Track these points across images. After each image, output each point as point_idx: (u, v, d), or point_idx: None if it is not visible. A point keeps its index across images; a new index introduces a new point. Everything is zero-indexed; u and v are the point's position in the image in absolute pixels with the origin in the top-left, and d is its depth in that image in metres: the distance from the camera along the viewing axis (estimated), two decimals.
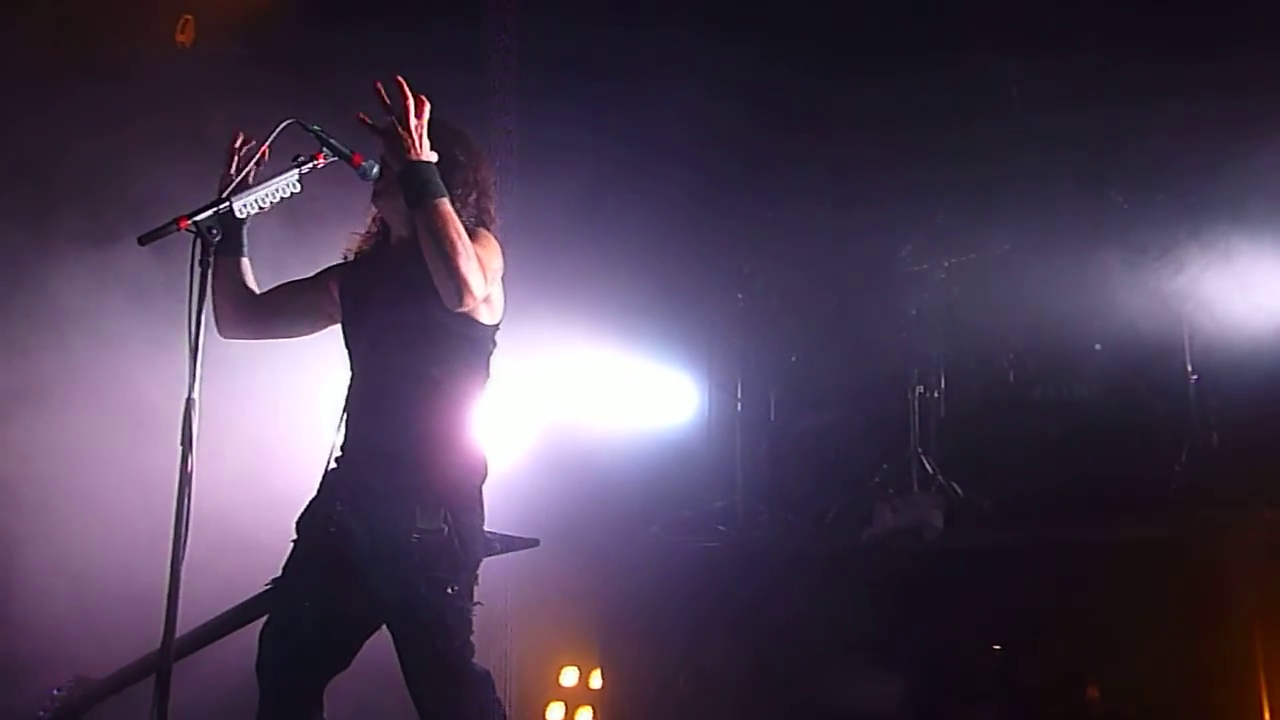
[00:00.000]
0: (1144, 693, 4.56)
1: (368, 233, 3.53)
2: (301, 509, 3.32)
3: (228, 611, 3.78)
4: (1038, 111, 6.37)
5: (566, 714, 6.03)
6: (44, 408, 4.98)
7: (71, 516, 4.92)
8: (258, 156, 3.28)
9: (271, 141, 3.28)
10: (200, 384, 2.89)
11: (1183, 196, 5.91)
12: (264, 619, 3.33)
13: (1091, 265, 6.03)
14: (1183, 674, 4.46)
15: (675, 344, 7.19)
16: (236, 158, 3.30)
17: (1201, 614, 4.52)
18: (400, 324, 3.26)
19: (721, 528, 6.56)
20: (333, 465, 3.31)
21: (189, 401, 2.88)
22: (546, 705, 6.04)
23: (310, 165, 3.27)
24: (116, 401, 4.93)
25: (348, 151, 3.29)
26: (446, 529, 3.13)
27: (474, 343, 3.33)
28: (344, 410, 3.33)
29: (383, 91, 3.11)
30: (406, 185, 3.12)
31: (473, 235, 3.18)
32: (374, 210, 3.49)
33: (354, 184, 3.36)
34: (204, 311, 2.90)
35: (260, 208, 3.18)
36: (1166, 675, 4.50)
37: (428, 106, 3.16)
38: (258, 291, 3.48)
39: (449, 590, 3.12)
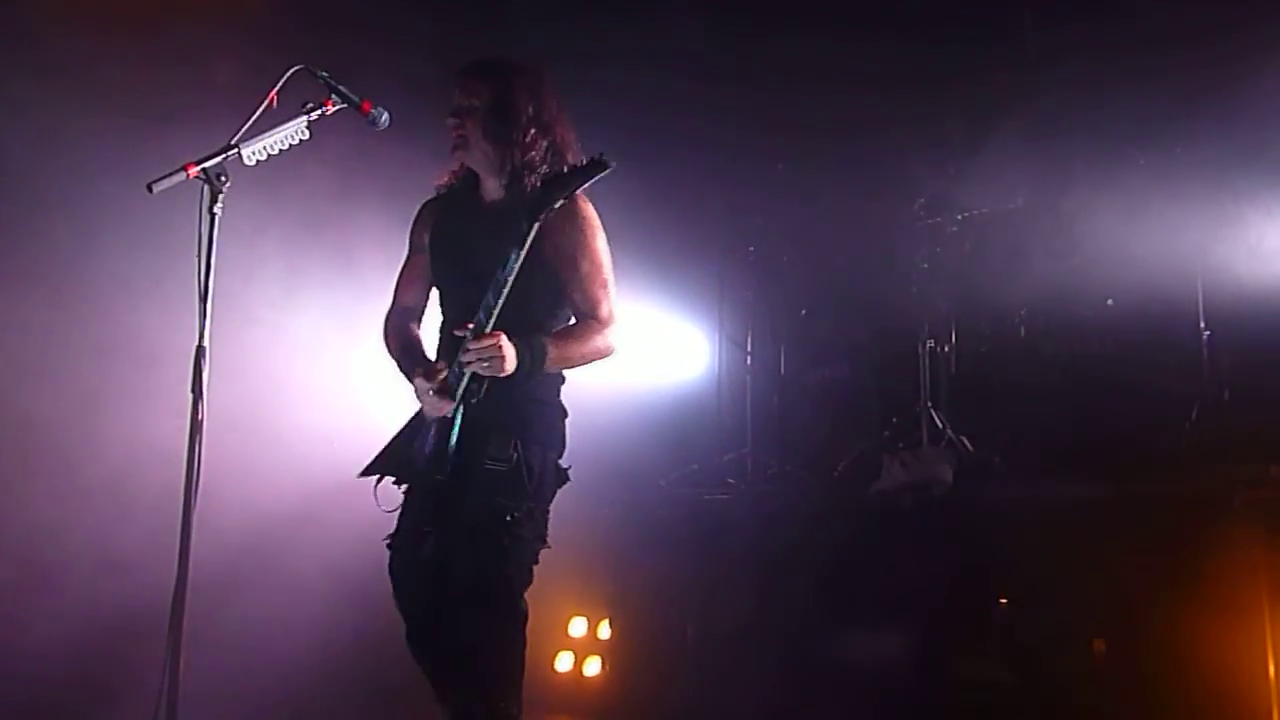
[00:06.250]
0: (1151, 647, 4.56)
1: (454, 171, 3.64)
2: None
3: None
4: (1052, 65, 6.30)
5: (575, 663, 6.07)
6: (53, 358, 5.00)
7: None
8: (265, 104, 3.26)
9: (280, 89, 3.27)
10: (210, 331, 2.88)
11: (1199, 150, 5.84)
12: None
13: (1104, 220, 5.97)
14: (1191, 629, 4.46)
15: (686, 297, 7.18)
16: None
17: (1211, 569, 4.51)
18: (497, 282, 3.35)
19: (731, 480, 6.58)
20: None
21: (199, 349, 2.88)
22: (555, 655, 6.08)
23: (319, 112, 3.26)
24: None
25: (356, 99, 3.28)
26: (515, 457, 3.32)
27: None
28: (438, 349, 3.56)
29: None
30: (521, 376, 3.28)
31: (585, 253, 3.52)
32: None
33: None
34: (213, 257, 2.90)
35: (269, 154, 3.17)
36: (1174, 630, 4.49)
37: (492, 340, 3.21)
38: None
39: (508, 518, 3.31)
